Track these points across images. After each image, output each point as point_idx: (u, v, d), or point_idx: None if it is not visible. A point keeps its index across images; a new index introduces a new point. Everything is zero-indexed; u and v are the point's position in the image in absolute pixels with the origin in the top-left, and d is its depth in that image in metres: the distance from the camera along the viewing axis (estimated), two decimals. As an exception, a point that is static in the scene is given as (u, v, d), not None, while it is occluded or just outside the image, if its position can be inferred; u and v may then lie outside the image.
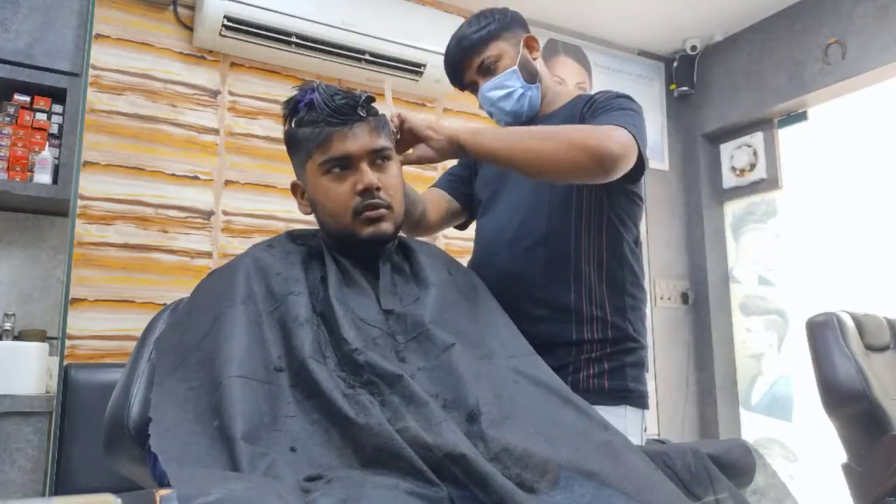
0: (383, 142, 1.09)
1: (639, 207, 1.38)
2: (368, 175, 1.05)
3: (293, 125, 1.12)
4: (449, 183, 1.59)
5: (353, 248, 1.08)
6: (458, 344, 0.95)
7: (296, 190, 1.17)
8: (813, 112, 3.24)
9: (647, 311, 1.40)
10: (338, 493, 0.68)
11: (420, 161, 1.21)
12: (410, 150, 1.22)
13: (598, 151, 1.12)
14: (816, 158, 3.21)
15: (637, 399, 1.31)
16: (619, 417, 1.23)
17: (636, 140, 1.17)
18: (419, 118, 1.21)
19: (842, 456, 2.13)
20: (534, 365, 1.02)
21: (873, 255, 2.90)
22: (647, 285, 1.42)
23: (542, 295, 1.31)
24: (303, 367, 0.87)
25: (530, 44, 1.42)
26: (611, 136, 1.14)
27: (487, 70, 1.39)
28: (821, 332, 2.18)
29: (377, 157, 1.08)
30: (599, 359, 1.29)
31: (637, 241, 1.39)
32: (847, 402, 2.08)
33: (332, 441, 0.80)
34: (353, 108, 1.06)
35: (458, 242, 2.95)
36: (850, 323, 2.20)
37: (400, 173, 1.14)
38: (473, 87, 1.43)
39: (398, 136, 1.19)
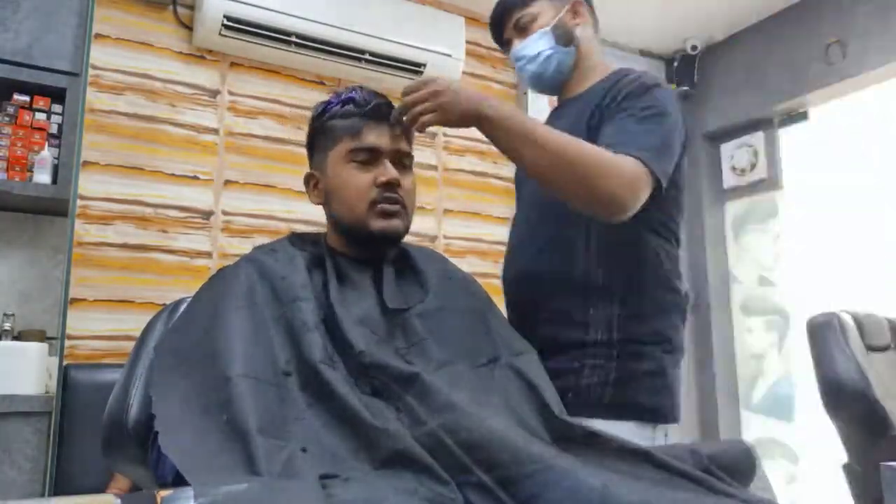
0: (408, 148, 1.14)
1: (670, 202, 1.27)
2: (391, 170, 1.08)
3: (325, 117, 1.14)
4: None
5: (359, 244, 1.09)
6: (458, 362, 0.96)
7: (309, 180, 1.17)
8: (814, 112, 3.23)
9: (681, 316, 1.29)
10: (359, 493, 0.68)
11: (425, 123, 1.11)
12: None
13: (604, 198, 1.09)
14: (817, 158, 3.20)
15: (646, 413, 1.19)
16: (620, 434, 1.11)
17: (649, 168, 1.12)
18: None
19: (842, 456, 2.13)
20: (528, 364, 1.02)
21: (873, 255, 2.90)
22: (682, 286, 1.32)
23: (549, 299, 1.27)
24: (314, 372, 0.86)
25: (576, 8, 1.39)
26: (619, 177, 1.09)
27: (522, 28, 1.36)
28: (821, 332, 2.17)
29: (401, 159, 1.12)
30: (602, 365, 1.20)
31: (670, 236, 1.30)
32: (848, 402, 2.08)
33: (344, 442, 0.80)
34: (390, 109, 1.12)
35: (458, 243, 2.95)
36: (850, 323, 2.19)
37: (415, 185, 1.16)
38: (508, 46, 1.40)
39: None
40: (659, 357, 1.22)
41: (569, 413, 0.96)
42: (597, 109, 1.25)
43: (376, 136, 1.09)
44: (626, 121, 1.19)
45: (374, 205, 1.07)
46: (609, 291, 1.23)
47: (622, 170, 1.09)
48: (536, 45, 1.34)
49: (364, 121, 1.10)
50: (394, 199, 1.08)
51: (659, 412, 1.20)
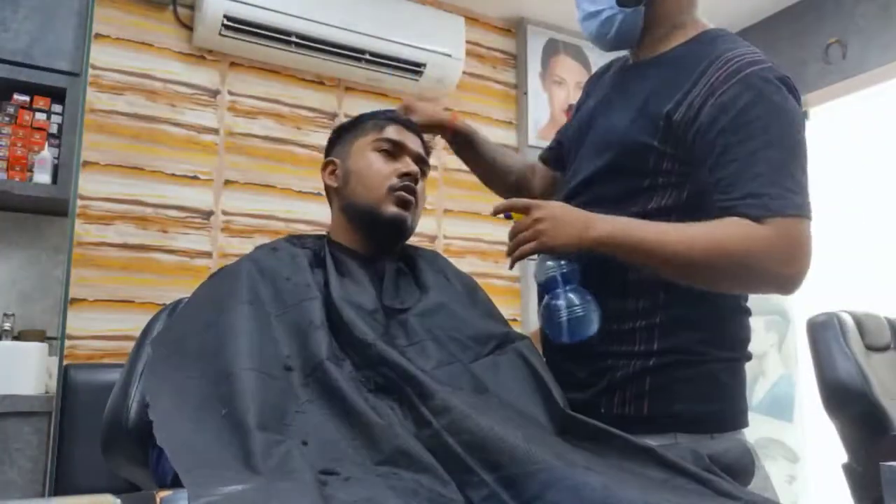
0: (428, 158, 1.22)
1: None
2: (413, 164, 1.15)
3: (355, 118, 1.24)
4: (550, 153, 1.40)
5: (368, 232, 1.12)
6: (458, 359, 0.96)
7: (326, 167, 1.22)
8: (814, 112, 3.23)
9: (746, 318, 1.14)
10: (359, 492, 0.68)
11: (525, 253, 1.05)
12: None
13: (773, 283, 0.99)
14: (817, 158, 3.20)
15: (691, 423, 1.04)
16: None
17: (807, 218, 0.97)
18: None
19: (842, 456, 2.13)
20: (528, 350, 1.03)
21: (873, 254, 2.90)
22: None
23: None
24: (319, 368, 0.87)
25: None
26: (781, 254, 0.94)
27: None
28: (821, 332, 2.17)
29: (421, 165, 1.18)
30: (639, 375, 1.06)
31: None
32: (847, 402, 2.08)
33: (345, 438, 0.80)
34: (419, 134, 1.21)
35: (458, 243, 2.95)
36: (850, 323, 2.20)
37: (424, 192, 1.21)
38: None
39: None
40: (709, 363, 1.07)
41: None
42: (684, 99, 1.05)
43: (404, 136, 1.17)
44: (758, 159, 0.99)
45: (393, 191, 1.11)
46: (653, 291, 1.08)
47: (781, 245, 0.95)
48: (597, 2, 1.13)
49: (392, 123, 1.18)
50: (412, 189, 1.13)
51: (710, 420, 1.06)
